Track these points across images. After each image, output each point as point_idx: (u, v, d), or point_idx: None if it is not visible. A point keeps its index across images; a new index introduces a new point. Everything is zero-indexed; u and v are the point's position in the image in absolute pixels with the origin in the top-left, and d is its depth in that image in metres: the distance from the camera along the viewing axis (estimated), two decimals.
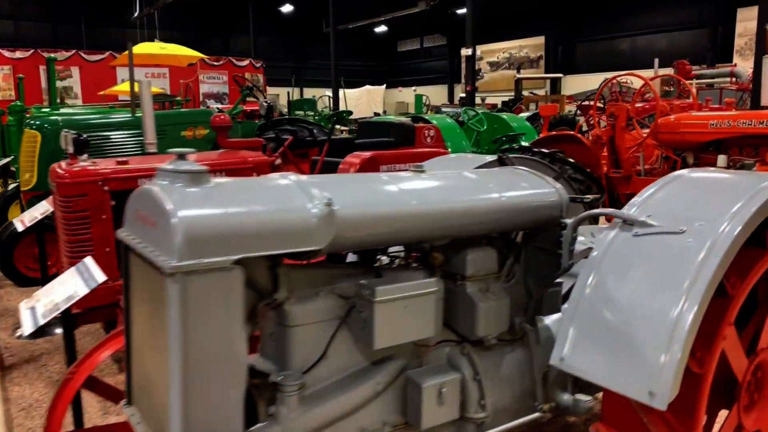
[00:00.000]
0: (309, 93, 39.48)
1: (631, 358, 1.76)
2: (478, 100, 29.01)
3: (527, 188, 2.24)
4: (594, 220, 3.49)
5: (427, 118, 8.04)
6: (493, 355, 2.21)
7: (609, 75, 28.56)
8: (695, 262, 1.74)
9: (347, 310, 1.90)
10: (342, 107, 33.98)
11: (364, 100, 37.97)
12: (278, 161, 3.92)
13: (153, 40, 32.49)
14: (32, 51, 23.34)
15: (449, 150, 6.03)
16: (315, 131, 6.11)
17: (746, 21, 24.45)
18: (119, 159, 3.54)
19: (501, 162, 2.79)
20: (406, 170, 2.17)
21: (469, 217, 2.06)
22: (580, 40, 31.60)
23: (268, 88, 35.84)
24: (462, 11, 34.26)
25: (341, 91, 38.62)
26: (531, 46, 33.43)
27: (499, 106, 23.87)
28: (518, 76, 23.15)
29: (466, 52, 19.54)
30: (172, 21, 36.79)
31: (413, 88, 41.94)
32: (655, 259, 1.84)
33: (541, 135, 6.88)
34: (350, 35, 41.44)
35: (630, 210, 2.04)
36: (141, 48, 10.87)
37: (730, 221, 1.79)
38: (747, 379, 2.10)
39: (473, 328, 2.11)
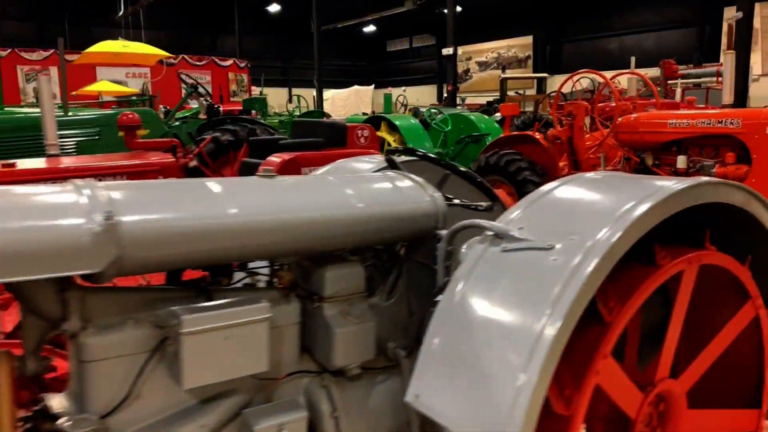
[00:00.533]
0: (297, 93, 39.16)
1: (483, 398, 1.49)
2: (465, 100, 28.82)
3: (397, 196, 1.95)
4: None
5: (389, 118, 7.78)
6: (357, 386, 1.93)
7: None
8: (557, 284, 1.46)
9: (160, 341, 1.61)
10: (329, 107, 33.77)
11: (352, 101, 37.73)
12: (193, 163, 3.63)
13: (130, 40, 32.15)
14: (9, 50, 23.03)
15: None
16: (258, 131, 5.83)
17: (733, 20, 24.23)
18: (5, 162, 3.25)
19: (390, 164, 2.51)
20: (254, 176, 1.88)
21: (320, 229, 1.77)
22: (568, 39, 31.41)
23: (255, 88, 35.69)
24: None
25: (330, 91, 38.41)
26: (519, 45, 33.21)
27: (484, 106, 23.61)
28: (503, 75, 22.89)
29: (447, 51, 19.26)
30: (159, 20, 36.43)
31: (402, 88, 41.69)
32: (516, 281, 1.56)
33: (502, 135, 6.63)
34: (339, 35, 41.16)
35: (508, 218, 1.76)
36: (101, 47, 10.57)
37: (606, 234, 1.51)
38: (643, 414, 1.83)
39: (330, 356, 1.83)
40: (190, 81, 7.37)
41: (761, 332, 2.07)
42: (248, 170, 4.41)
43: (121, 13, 32.67)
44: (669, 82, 23.13)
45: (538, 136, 6.02)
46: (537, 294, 1.48)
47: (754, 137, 4.76)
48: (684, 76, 23.47)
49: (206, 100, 6.43)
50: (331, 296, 1.84)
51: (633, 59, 14.53)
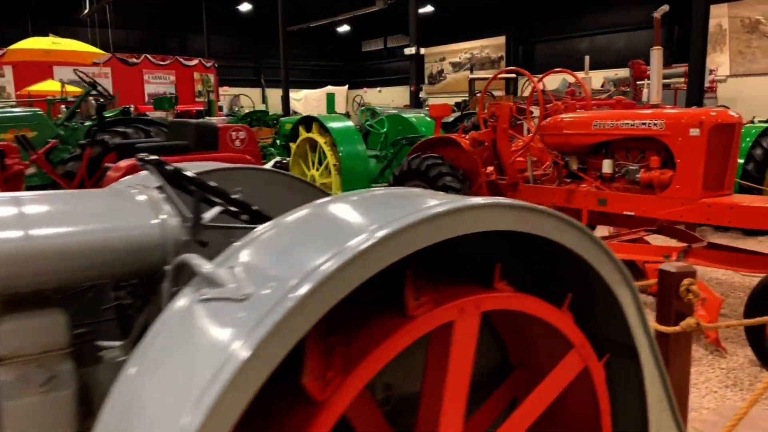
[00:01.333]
0: (271, 93, 38.61)
1: None
2: (428, 101, 28.47)
3: (111, 219, 1.52)
4: None
5: (320, 119, 7.35)
6: None
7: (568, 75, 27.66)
8: (226, 352, 1.04)
9: None
10: (302, 107, 33.11)
11: (325, 101, 37.30)
12: (30, 170, 3.16)
13: (96, 39, 31.48)
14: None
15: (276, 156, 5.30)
16: (152, 133, 5.38)
17: None
18: None
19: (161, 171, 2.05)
20: None
21: None
22: (540, 40, 31.19)
23: (228, 88, 35.07)
24: (424, 10, 33.70)
25: (302, 92, 37.89)
26: (492, 46, 32.96)
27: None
28: (471, 76, 22.55)
29: (410, 51, 18.87)
30: (126, 20, 35.66)
31: (378, 89, 41.36)
32: (190, 351, 1.14)
33: (427, 138, 6.22)
34: (313, 35, 40.68)
35: (229, 253, 1.34)
36: (28, 43, 10.02)
37: (306, 282, 1.09)
38: None
39: None
40: (87, 79, 6.86)
41: (593, 386, 1.67)
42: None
43: (86, 11, 31.84)
44: (638, 82, 22.97)
45: (463, 138, 5.63)
46: (191, 378, 1.06)
47: (677, 140, 4.40)
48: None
49: (98, 101, 5.95)
50: (6, 357, 1.40)
51: (587, 58, 14.16)
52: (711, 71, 21.70)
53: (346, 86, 36.88)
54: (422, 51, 19.41)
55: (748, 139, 7.19)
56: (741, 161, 7.15)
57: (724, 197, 4.29)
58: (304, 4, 36.67)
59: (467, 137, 5.57)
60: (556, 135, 5.21)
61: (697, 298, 2.10)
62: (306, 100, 37.79)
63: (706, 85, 21.96)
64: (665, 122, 4.50)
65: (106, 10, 33.37)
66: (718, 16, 23.43)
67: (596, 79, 26.84)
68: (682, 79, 22.20)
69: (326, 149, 7.19)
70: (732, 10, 22.89)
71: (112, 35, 33.17)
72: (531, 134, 5.53)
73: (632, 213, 4.69)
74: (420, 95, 22.53)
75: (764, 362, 3.49)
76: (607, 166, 4.89)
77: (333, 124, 7.25)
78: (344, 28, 40.73)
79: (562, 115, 5.31)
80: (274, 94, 37.83)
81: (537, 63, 31.44)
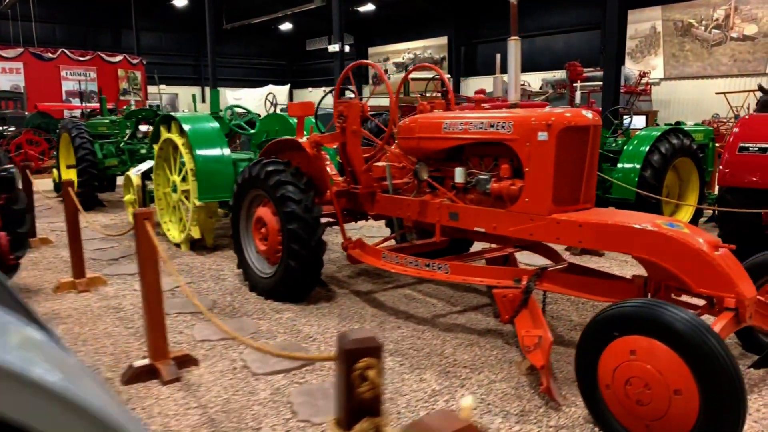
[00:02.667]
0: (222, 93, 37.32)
1: None
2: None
3: None
4: None
5: (179, 118, 6.50)
6: None
7: (506, 77, 27.61)
8: None
9: None
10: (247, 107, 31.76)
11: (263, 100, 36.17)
12: None
13: (19, 33, 29.63)
14: None
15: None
16: None
17: (637, 23, 24.12)
18: None
19: None
20: None
21: None
22: (481, 41, 30.87)
23: (165, 87, 33.62)
24: (364, 9, 33.06)
25: (241, 91, 36.73)
26: (435, 46, 32.52)
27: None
28: (411, 76, 21.95)
29: (333, 48, 18.11)
30: (53, 14, 33.90)
31: (323, 88, 40.51)
32: None
33: (276, 140, 5.45)
34: (255, 33, 39.59)
35: None
36: None
37: None
38: None
39: None
40: None
41: None
42: None
43: (6, 2, 29.99)
44: (575, 84, 22.73)
45: (304, 140, 4.88)
46: None
47: (525, 145, 3.76)
48: (588, 79, 23.17)
49: None
50: None
51: (498, 57, 13.72)
52: (645, 74, 21.63)
53: (288, 85, 35.92)
54: (336, 47, 18.59)
55: (646, 143, 6.68)
56: (637, 167, 6.63)
57: (579, 212, 3.66)
58: (244, 2, 35.60)
59: (308, 139, 4.84)
60: (409, 138, 4.53)
61: (376, 390, 1.38)
62: (246, 101, 36.71)
63: (640, 88, 21.93)
64: (513, 125, 3.85)
65: (30, 3, 31.60)
66: (652, 19, 23.46)
67: (534, 80, 26.67)
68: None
69: (184, 152, 6.37)
70: (665, 13, 22.92)
71: (38, 30, 31.46)
72: (385, 137, 4.83)
73: (483, 230, 4.05)
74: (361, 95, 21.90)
75: (598, 419, 2.84)
76: (459, 174, 4.22)
77: (190, 124, 6.42)
78: (287, 27, 39.75)
79: (417, 116, 4.64)
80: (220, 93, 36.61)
81: (479, 64, 31.17)
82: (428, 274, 4.20)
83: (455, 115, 4.30)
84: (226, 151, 6.50)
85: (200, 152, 6.32)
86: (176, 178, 6.77)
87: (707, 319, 2.92)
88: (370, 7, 32.00)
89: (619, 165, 6.76)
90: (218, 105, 8.99)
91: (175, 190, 6.90)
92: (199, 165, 6.24)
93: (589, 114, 3.73)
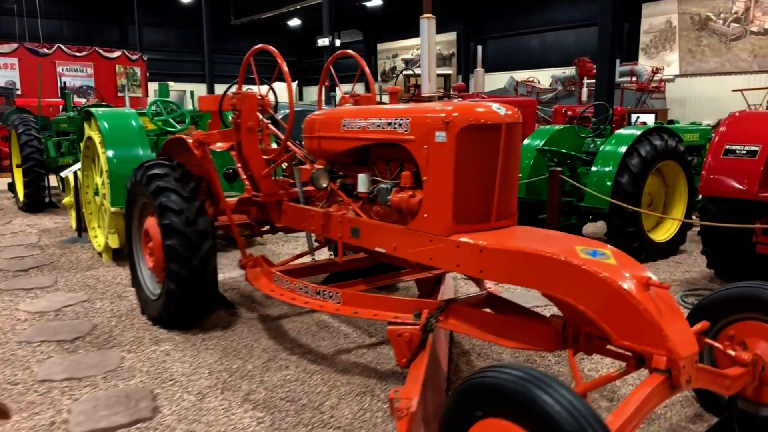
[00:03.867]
0: (220, 90, 36.90)
1: None
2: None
3: None
4: None
5: (94, 113, 5.83)
6: None
7: (519, 73, 26.93)
8: None
9: None
10: None
11: (270, 98, 35.80)
12: None
13: (25, 30, 29.49)
14: None
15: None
16: None
17: (651, 17, 23.02)
18: None
19: None
20: None
21: None
22: (491, 36, 29.90)
23: (173, 83, 33.22)
24: (372, 4, 32.26)
25: (247, 88, 36.23)
26: (444, 42, 31.60)
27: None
28: (405, 72, 21.14)
29: (322, 42, 17.39)
30: (60, 10, 33.73)
31: (328, 84, 39.86)
32: None
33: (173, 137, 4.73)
34: (263, 29, 39.03)
35: None
36: None
37: None
38: None
39: None
40: None
41: None
42: None
43: None
44: (584, 81, 21.76)
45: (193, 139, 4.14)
46: None
47: (422, 148, 3.00)
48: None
49: None
50: None
51: (479, 49, 12.86)
52: (657, 70, 20.55)
53: (296, 82, 35.31)
54: (327, 41, 17.85)
55: (623, 144, 5.83)
56: (612, 172, 5.78)
57: (489, 233, 2.89)
58: None
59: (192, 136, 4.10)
60: (311, 138, 3.79)
61: None
62: None
63: (653, 85, 20.84)
64: (410, 123, 3.09)
65: (36, 0, 31.42)
66: (668, 13, 22.34)
67: (544, 77, 25.67)
68: (629, 78, 21.05)
69: (100, 151, 5.70)
70: (681, 5, 21.78)
71: (44, 26, 31.26)
72: (285, 137, 4.07)
73: (384, 250, 3.30)
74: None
75: None
76: (361, 182, 3.47)
77: (107, 121, 5.74)
78: (296, 23, 39.10)
79: (317, 112, 3.89)
80: (221, 91, 36.15)
81: (488, 60, 30.19)
82: (317, 304, 3.44)
83: (355, 111, 3.54)
84: (147, 152, 5.81)
85: (114, 152, 5.65)
86: (99, 181, 6.12)
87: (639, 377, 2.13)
88: (377, 2, 31.22)
89: (593, 169, 5.92)
90: (167, 96, 8.33)
91: (96, 193, 6.24)
92: (112, 166, 5.56)
93: (501, 109, 2.95)
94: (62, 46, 22.69)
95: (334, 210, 3.65)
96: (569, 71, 23.39)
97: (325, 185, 3.63)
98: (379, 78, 35.71)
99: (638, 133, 5.90)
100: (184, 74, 38.82)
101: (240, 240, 4.21)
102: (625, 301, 2.31)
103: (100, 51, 23.55)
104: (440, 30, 31.58)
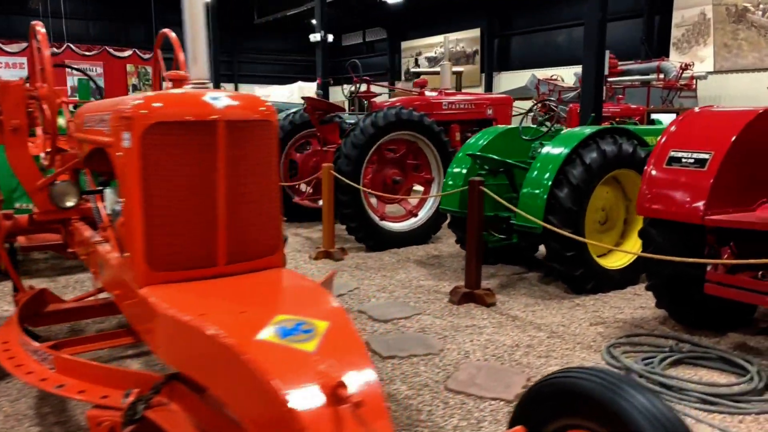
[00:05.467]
0: (244, 90, 36.60)
1: None
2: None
3: None
4: None
5: None
6: None
7: (544, 71, 25.45)
8: None
9: None
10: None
11: (295, 97, 35.35)
12: None
13: (49, 30, 29.86)
14: None
15: None
16: None
17: (684, 9, 21.33)
18: None
19: None
20: None
21: None
22: (515, 32, 28.51)
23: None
24: (393, 1, 31.28)
25: (270, 87, 35.94)
26: (468, 39, 30.40)
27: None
28: (412, 70, 20.10)
29: (314, 38, 16.54)
30: (84, 10, 33.95)
31: (357, 85, 39.12)
32: None
33: None
34: (287, 28, 38.55)
35: None
36: None
37: None
38: None
39: None
40: None
41: None
42: None
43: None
44: (608, 79, 20.30)
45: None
46: None
47: (116, 155, 2.07)
48: (624, 72, 20.62)
49: None
50: None
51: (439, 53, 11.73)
52: (687, 66, 18.91)
53: (316, 82, 34.74)
54: (318, 37, 16.97)
55: (565, 148, 4.72)
56: (548, 182, 4.67)
57: (206, 283, 1.95)
58: None
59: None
60: (78, 132, 2.90)
61: None
62: (274, 97, 35.93)
63: (682, 82, 19.21)
64: (110, 120, 2.14)
65: (61, 0, 31.68)
66: (702, 4, 20.64)
67: (568, 75, 24.20)
68: (654, 76, 19.49)
69: None
70: None
71: (68, 27, 31.47)
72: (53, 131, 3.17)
73: (111, 295, 2.39)
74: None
75: None
76: (107, 200, 2.56)
77: None
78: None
79: (87, 104, 3.01)
80: (247, 90, 35.83)
81: (513, 57, 28.82)
82: (21, 372, 2.52)
83: (94, 105, 2.63)
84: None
85: None
86: None
87: None
88: None
89: (528, 177, 4.84)
90: (88, 94, 7.64)
91: None
92: None
93: (220, 100, 2.00)
94: (72, 45, 22.58)
95: (88, 237, 2.75)
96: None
97: (69, 204, 2.73)
98: (402, 77, 34.74)
99: (585, 134, 4.79)
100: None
101: (12, 270, 3.34)
102: (285, 420, 1.35)
103: (110, 50, 23.36)
104: (463, 26, 30.41)
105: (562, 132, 5.03)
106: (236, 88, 38.71)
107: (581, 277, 4.74)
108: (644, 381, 3.25)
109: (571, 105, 15.79)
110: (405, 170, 6.81)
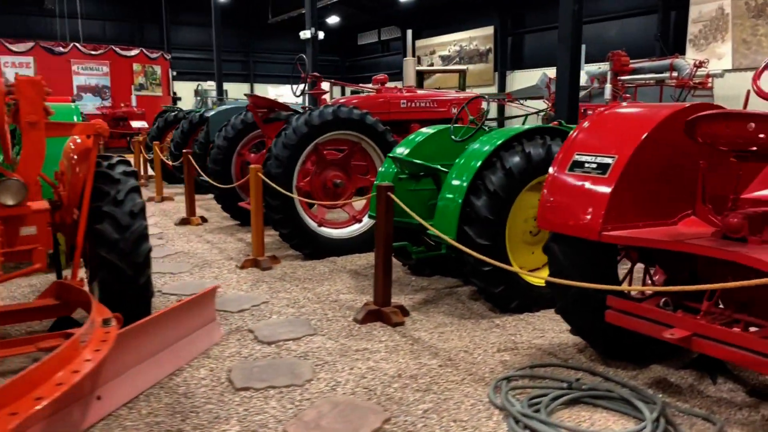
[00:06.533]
0: (259, 90, 36.55)
1: None
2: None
3: None
4: None
5: None
6: None
7: (554, 70, 24.72)
8: None
9: None
10: None
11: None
12: None
13: (66, 30, 30.01)
14: None
15: None
16: None
17: (701, 4, 20.41)
18: None
19: None
20: None
21: None
22: (528, 30, 27.78)
23: (211, 82, 33.10)
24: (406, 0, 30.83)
25: (283, 87, 35.74)
26: (481, 37, 29.76)
27: None
28: (418, 68, 19.59)
29: (304, 35, 16.16)
30: (100, 10, 34.29)
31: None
32: None
33: None
34: (301, 27, 38.31)
35: None
36: None
37: None
38: None
39: None
40: None
41: None
42: None
43: None
44: (620, 77, 19.56)
45: None
46: None
47: None
48: (635, 71, 19.80)
49: None
50: None
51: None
52: (701, 64, 18.03)
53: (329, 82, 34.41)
54: (308, 34, 16.58)
55: (484, 150, 4.20)
56: (462, 189, 4.16)
57: None
58: None
59: None
60: None
61: None
62: (287, 97, 35.73)
63: (696, 80, 18.32)
64: None
65: (77, 1, 32.01)
66: None
67: (582, 73, 23.41)
68: (667, 74, 18.65)
69: None
70: None
71: (84, 27, 31.78)
72: None
73: None
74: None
75: None
76: None
77: None
78: (334, 20, 38.12)
79: None
80: (261, 90, 35.75)
81: (526, 55, 28.10)
82: None
83: None
84: None
85: None
86: None
87: None
88: None
89: (446, 182, 4.34)
90: None
91: None
92: None
93: None
94: (78, 45, 22.65)
95: None
96: (606, 67, 21.11)
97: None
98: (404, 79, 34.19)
99: (509, 135, 4.27)
100: (225, 74, 38.71)
101: None
102: None
103: (117, 49, 23.37)
104: (476, 24, 29.77)
105: (492, 133, 4.51)
106: (252, 89, 38.63)
107: (502, 295, 4.23)
108: (520, 426, 2.75)
109: (582, 105, 15.16)
110: (348, 173, 6.36)
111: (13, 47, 21.31)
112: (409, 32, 18.13)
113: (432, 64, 32.58)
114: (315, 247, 6.02)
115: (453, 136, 4.88)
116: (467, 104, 5.31)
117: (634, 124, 3.10)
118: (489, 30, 29.15)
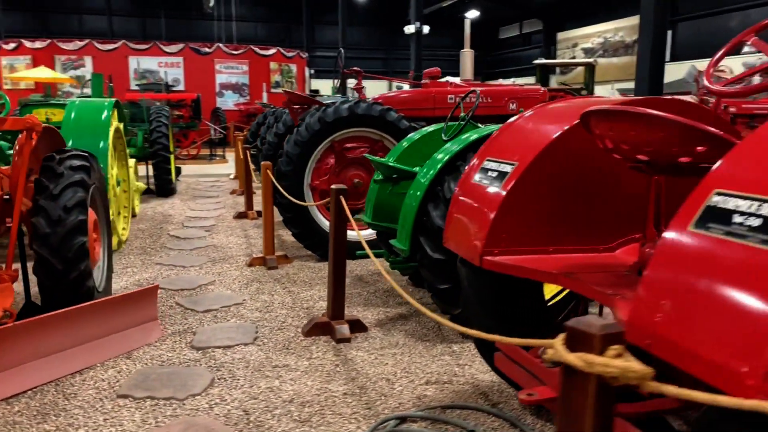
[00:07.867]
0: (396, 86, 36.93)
1: None
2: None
3: None
4: None
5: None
6: None
7: (706, 63, 22.40)
8: None
9: None
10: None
11: None
12: None
13: (221, 32, 32.46)
14: (86, 41, 23.80)
15: None
16: None
17: None
18: None
19: None
20: None
21: None
22: (683, 18, 24.99)
23: (353, 79, 34.14)
24: None
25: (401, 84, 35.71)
26: (627, 28, 27.39)
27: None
28: (537, 61, 18.40)
29: (409, 29, 15.75)
30: (254, 13, 36.72)
31: (512, 79, 37.30)
32: None
33: None
34: (443, 22, 37.96)
35: None
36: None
37: None
38: None
39: None
40: None
41: None
42: None
43: (212, 3, 33.09)
44: None
45: None
46: None
47: None
48: None
49: None
50: None
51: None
52: None
53: (459, 77, 33.86)
54: (413, 28, 16.06)
55: (449, 152, 3.66)
56: (419, 196, 3.66)
57: None
58: None
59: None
60: None
61: None
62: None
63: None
64: None
65: (232, 4, 34.62)
66: None
67: (736, 65, 20.61)
68: None
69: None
70: None
71: (237, 29, 34.30)
72: None
73: None
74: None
75: None
76: None
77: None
78: (473, 14, 37.23)
79: None
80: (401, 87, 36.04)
81: (678, 46, 25.30)
82: None
83: None
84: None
85: None
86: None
87: None
88: None
89: (410, 187, 3.87)
90: (100, 91, 7.91)
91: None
92: None
93: None
94: (221, 46, 24.36)
95: None
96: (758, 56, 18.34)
97: None
98: (557, 70, 32.41)
99: (481, 134, 3.70)
100: (370, 71, 39.64)
101: None
102: None
103: (255, 49, 24.80)
104: (622, 14, 27.41)
105: (470, 132, 3.94)
106: (390, 85, 39.17)
107: (461, 316, 3.69)
108: None
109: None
110: (371, 172, 6.03)
111: (167, 48, 23.45)
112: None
113: (574, 58, 30.65)
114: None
115: (443, 135, 4.37)
116: (462, 100, 4.73)
117: (552, 123, 2.48)
118: (636, 20, 26.70)
